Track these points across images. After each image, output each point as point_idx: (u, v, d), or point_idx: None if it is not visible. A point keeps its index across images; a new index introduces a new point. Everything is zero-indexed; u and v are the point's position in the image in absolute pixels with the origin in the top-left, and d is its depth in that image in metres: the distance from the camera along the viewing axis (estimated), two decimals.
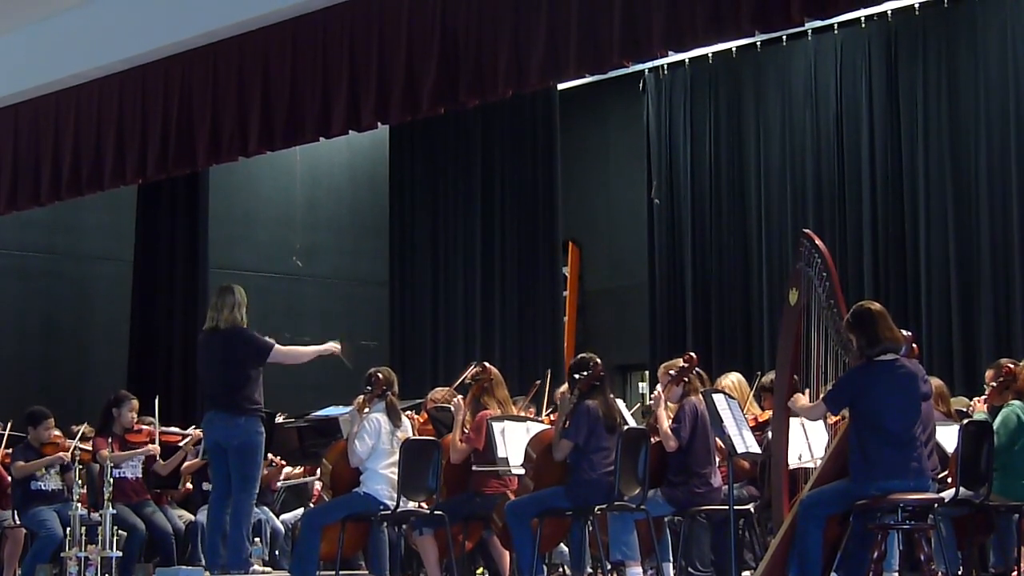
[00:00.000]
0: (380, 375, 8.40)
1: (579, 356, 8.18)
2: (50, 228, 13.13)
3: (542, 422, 8.92)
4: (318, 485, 10.11)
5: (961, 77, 12.31)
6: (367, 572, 8.74)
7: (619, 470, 7.73)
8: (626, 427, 8.10)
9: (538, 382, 10.28)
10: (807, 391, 7.05)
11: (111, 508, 8.28)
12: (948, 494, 7.58)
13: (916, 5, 12.49)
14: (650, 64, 13.77)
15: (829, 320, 6.85)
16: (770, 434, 7.58)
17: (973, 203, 12.11)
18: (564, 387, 8.37)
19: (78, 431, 9.84)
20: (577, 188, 15.33)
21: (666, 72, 14.19)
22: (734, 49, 13.44)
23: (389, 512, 8.17)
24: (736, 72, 13.78)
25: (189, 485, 10.14)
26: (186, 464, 9.84)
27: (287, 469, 10.84)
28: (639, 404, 11.67)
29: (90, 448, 9.47)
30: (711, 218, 13.89)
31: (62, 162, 9.50)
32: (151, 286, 13.34)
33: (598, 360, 8.02)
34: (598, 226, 15.58)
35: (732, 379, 8.88)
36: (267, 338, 8.34)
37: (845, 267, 12.33)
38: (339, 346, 8.65)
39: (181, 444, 9.74)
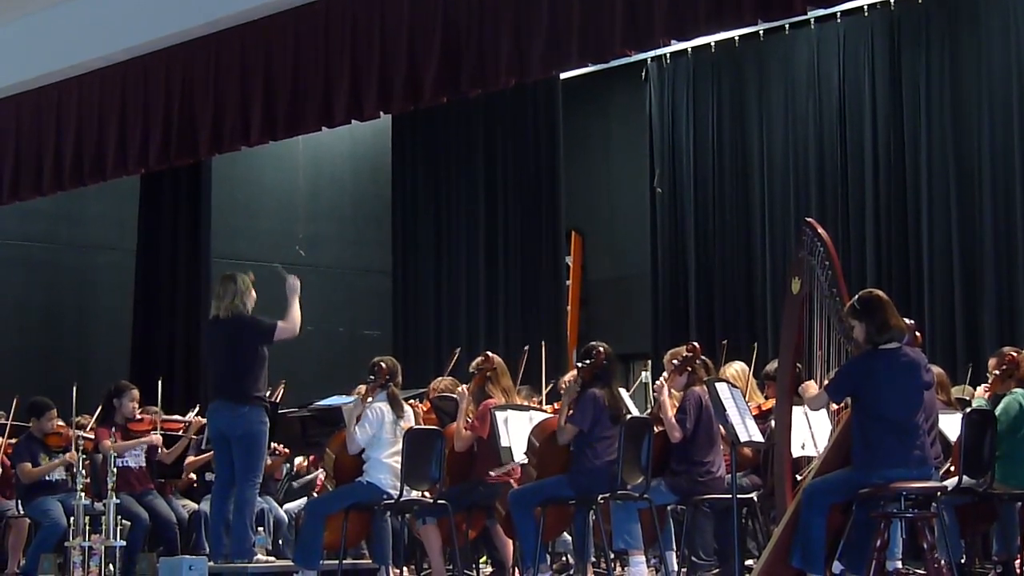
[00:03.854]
0: (384, 364, 8.38)
1: (588, 344, 8.17)
2: (52, 218, 13.11)
3: (546, 411, 8.91)
4: (321, 475, 10.10)
5: (964, 64, 12.28)
6: (370, 561, 8.74)
7: (622, 459, 7.73)
8: (629, 416, 8.10)
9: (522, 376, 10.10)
10: (810, 379, 7.03)
11: (115, 497, 8.29)
12: (951, 482, 7.58)
13: None
14: (652, 53, 13.73)
15: (831, 308, 6.83)
16: (773, 423, 7.58)
17: (976, 191, 12.09)
18: (569, 374, 8.36)
19: (78, 423, 9.84)
20: (580, 177, 15.31)
21: (668, 61, 14.16)
22: (737, 38, 13.41)
23: (392, 501, 8.18)
24: (739, 61, 13.75)
25: (192, 475, 10.14)
26: (191, 459, 9.84)
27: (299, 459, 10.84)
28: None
29: (92, 437, 9.47)
30: (714, 207, 13.87)
31: (64, 152, 9.50)
32: (153, 276, 13.33)
33: (602, 348, 7.99)
34: (601, 215, 15.56)
35: (736, 368, 8.88)
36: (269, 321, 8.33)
37: (848, 255, 12.31)
38: (295, 281, 8.46)
39: (183, 433, 9.75)
